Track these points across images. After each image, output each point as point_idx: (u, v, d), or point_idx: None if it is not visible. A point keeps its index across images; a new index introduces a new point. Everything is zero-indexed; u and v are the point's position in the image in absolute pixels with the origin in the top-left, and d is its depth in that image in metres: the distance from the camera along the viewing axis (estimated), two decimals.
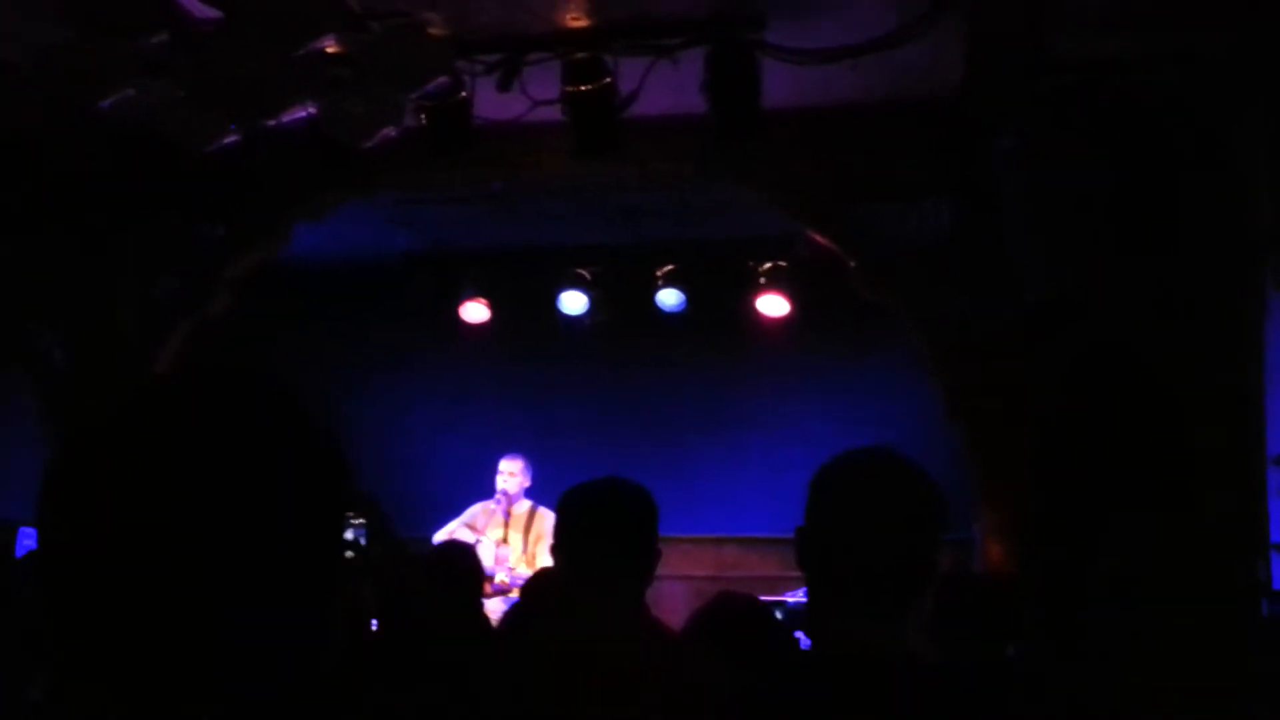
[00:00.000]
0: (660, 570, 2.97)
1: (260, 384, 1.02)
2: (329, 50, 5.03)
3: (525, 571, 7.74)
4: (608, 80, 5.62)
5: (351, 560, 5.96)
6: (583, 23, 5.59)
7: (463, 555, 4.73)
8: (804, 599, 2.27)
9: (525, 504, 8.12)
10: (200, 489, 0.95)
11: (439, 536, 8.01)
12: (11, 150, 6.60)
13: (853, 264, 6.74)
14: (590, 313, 9.09)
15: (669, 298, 8.99)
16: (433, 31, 5.12)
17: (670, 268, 8.96)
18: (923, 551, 2.11)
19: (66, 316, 7.22)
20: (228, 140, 5.36)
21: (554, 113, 5.70)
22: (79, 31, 4.70)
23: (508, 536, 7.99)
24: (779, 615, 3.87)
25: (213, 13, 4.75)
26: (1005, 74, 5.71)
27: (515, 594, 7.41)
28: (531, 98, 5.69)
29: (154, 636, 0.94)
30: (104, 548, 0.95)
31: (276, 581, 0.97)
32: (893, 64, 5.69)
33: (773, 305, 8.76)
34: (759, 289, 8.74)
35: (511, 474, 8.12)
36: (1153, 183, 5.72)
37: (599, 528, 2.88)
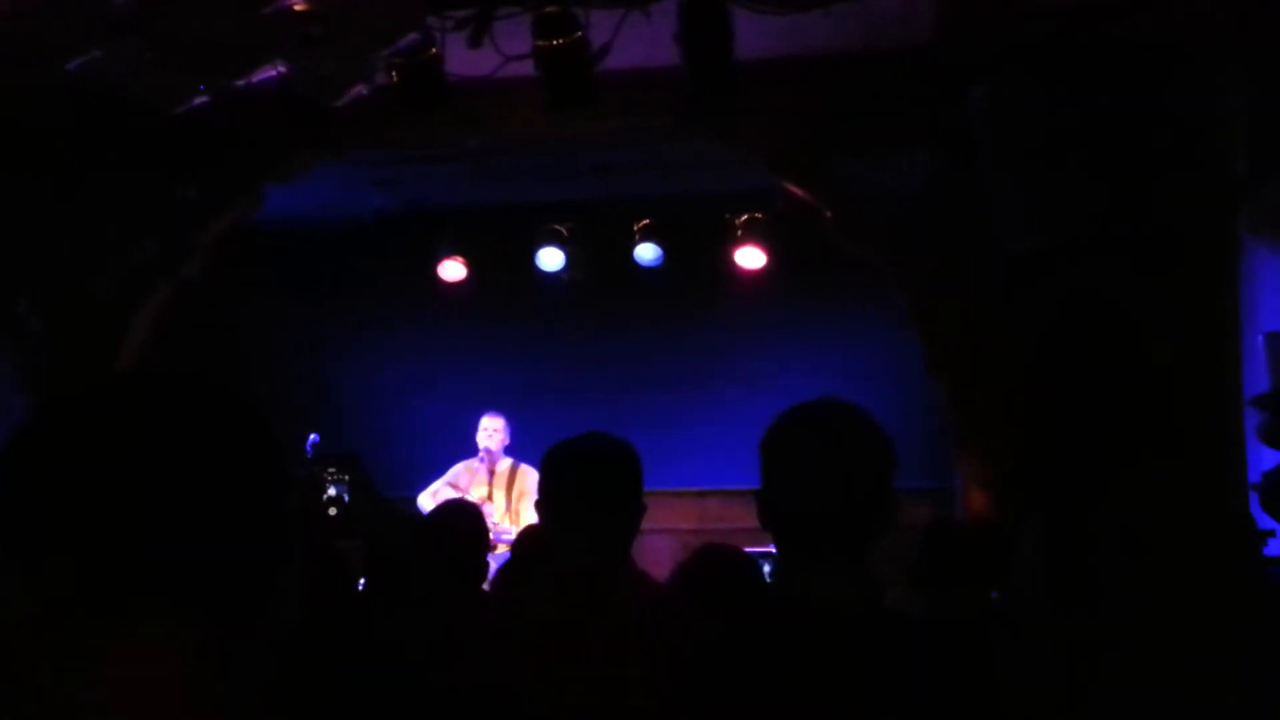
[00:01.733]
0: (644, 524, 2.97)
1: (195, 379, 1.13)
2: (298, 8, 4.96)
3: (508, 528, 7.76)
4: (579, 34, 5.57)
5: (334, 516, 5.97)
6: None
7: (470, 517, 4.67)
8: None
9: (507, 461, 8.13)
10: (142, 448, 1.06)
11: (423, 496, 8.02)
12: None
13: (829, 215, 6.73)
14: (568, 269, 9.07)
15: (646, 252, 8.98)
16: None
17: (647, 222, 8.94)
18: (874, 496, 2.12)
19: (41, 283, 7.16)
20: (197, 101, 5.30)
21: (527, 68, 5.65)
22: None
23: (492, 494, 8.01)
24: (767, 566, 3.89)
25: None
26: (979, 22, 5.68)
27: (500, 550, 7.44)
28: (503, 53, 5.63)
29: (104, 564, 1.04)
30: (56, 504, 1.04)
31: (216, 527, 1.07)
32: (867, 13, 5.65)
33: (750, 258, 8.75)
34: (736, 242, 8.74)
35: (495, 431, 8.13)
36: (1129, 131, 5.71)
37: (583, 483, 2.89)
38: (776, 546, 2.21)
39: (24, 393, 7.03)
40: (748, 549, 4.00)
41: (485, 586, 5.16)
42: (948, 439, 6.78)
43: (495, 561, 7.11)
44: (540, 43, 5.56)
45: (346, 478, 6.23)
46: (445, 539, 4.24)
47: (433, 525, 4.39)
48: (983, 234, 6.27)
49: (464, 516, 4.47)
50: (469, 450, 8.18)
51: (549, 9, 5.53)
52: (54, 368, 6.98)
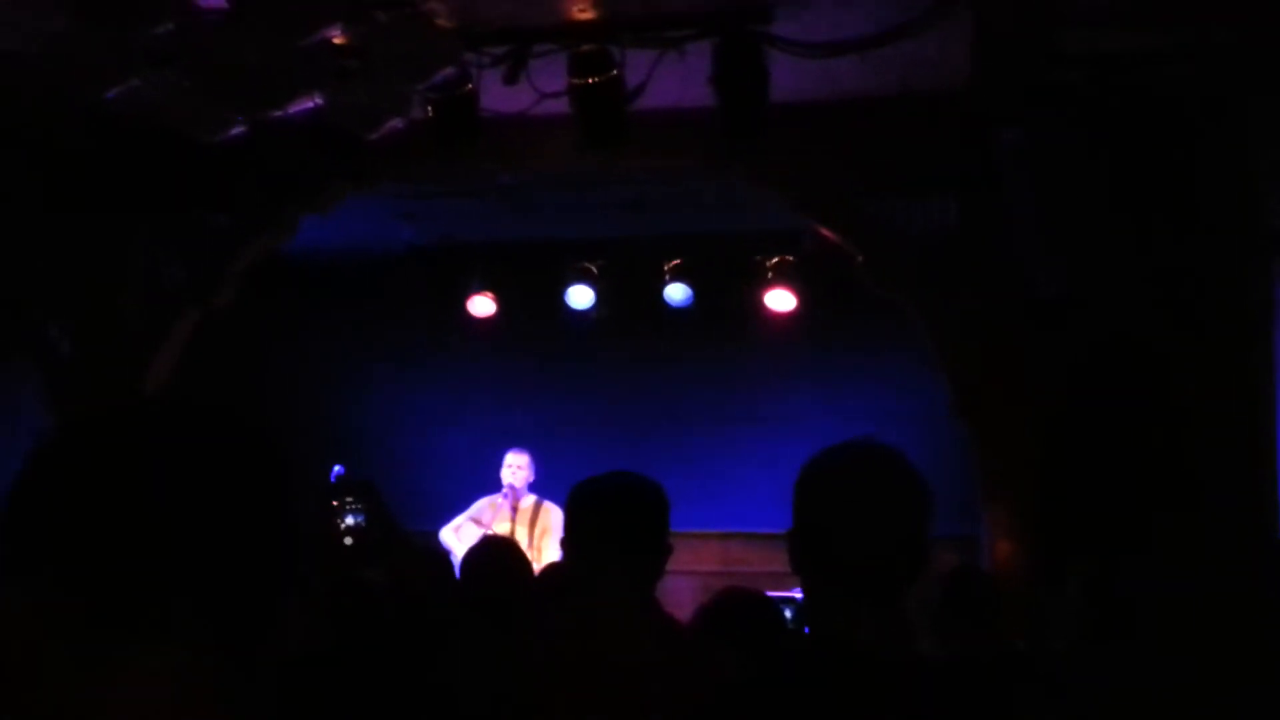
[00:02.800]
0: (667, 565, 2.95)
1: (209, 405, 1.15)
2: (336, 41, 5.01)
3: None
4: (614, 73, 5.59)
5: (352, 546, 5.94)
6: (590, 15, 5.56)
7: (509, 552, 4.60)
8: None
9: (530, 498, 8.11)
10: (154, 473, 1.07)
11: (446, 530, 8.01)
12: (20, 140, 6.59)
13: (860, 259, 6.72)
14: (597, 307, 9.07)
15: (676, 292, 8.97)
16: (440, 23, 5.10)
17: (677, 262, 8.94)
18: (911, 540, 2.09)
19: (73, 306, 7.22)
20: (234, 131, 5.34)
21: (561, 105, 5.68)
22: (84, 21, 4.68)
23: (514, 530, 7.98)
24: (788, 611, 3.85)
25: (219, 2, 4.74)
26: (1013, 68, 5.68)
27: None
28: (538, 90, 5.67)
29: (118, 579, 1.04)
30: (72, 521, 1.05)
31: (223, 551, 1.08)
32: (901, 57, 5.67)
33: (780, 300, 8.74)
34: (766, 284, 8.73)
35: (520, 467, 8.10)
36: (1161, 176, 5.69)
37: (610, 522, 2.86)
38: (805, 590, 2.18)
39: (52, 415, 7.07)
40: (770, 593, 3.96)
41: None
42: (973, 485, 6.73)
43: None
44: (575, 80, 5.59)
45: (363, 507, 6.22)
46: (482, 578, 4.20)
47: (471, 564, 4.34)
48: (1011, 278, 6.24)
49: (503, 554, 4.41)
50: (493, 485, 8.16)
51: (585, 47, 5.56)
52: (82, 391, 7.02)
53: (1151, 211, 5.69)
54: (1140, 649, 1.54)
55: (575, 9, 5.51)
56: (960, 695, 2.09)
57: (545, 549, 7.75)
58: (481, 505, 8.14)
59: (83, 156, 6.75)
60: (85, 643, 1.03)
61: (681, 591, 6.32)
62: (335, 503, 6.15)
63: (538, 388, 9.26)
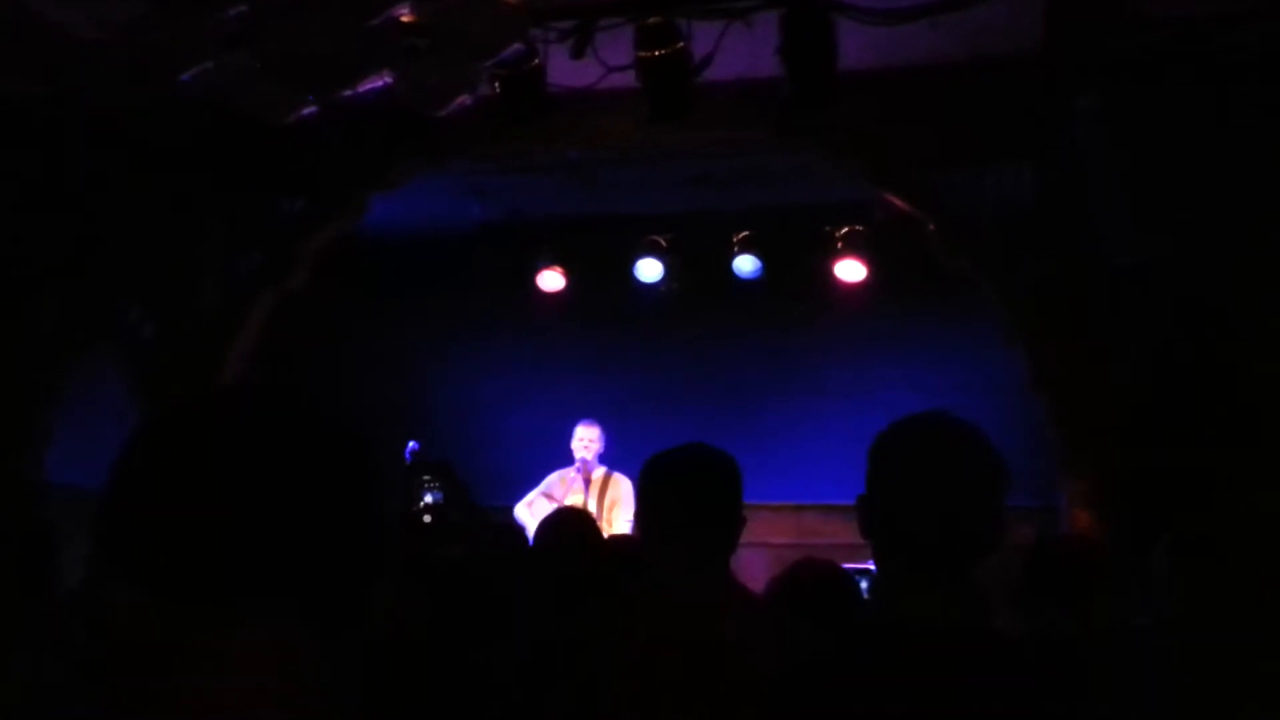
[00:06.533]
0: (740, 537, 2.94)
1: (296, 393, 1.18)
2: (404, 19, 5.03)
3: None
4: (681, 45, 5.56)
5: (429, 524, 5.99)
6: None
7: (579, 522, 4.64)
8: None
9: (601, 469, 8.14)
10: (244, 465, 1.10)
11: (519, 507, 8.05)
12: (99, 126, 6.69)
13: (931, 228, 6.65)
14: (666, 280, 9.06)
15: (745, 264, 8.94)
16: None
17: (746, 234, 8.90)
18: (983, 514, 2.08)
19: (154, 292, 7.34)
20: (305, 112, 5.39)
21: (628, 79, 5.66)
22: (158, 5, 4.74)
23: (586, 503, 8.01)
24: (864, 583, 3.84)
25: None
26: (1087, 32, 5.58)
27: None
28: (605, 64, 5.65)
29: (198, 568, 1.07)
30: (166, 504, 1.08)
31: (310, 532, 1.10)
32: (972, 23, 5.58)
33: (850, 271, 8.67)
34: (836, 254, 8.66)
35: (591, 440, 8.13)
36: (1241, 142, 5.56)
37: (684, 494, 2.86)
38: (877, 559, 2.17)
39: (135, 398, 7.20)
40: (845, 565, 3.94)
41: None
42: (1049, 456, 6.64)
43: None
44: (642, 53, 5.57)
45: (440, 484, 6.29)
46: (555, 553, 4.23)
47: (543, 539, 4.37)
48: (1088, 246, 6.14)
49: (574, 526, 4.43)
50: (565, 459, 8.20)
51: (651, 20, 5.54)
52: (163, 374, 7.14)
53: (1232, 175, 5.57)
54: (1230, 615, 1.52)
55: None
56: (1039, 670, 2.07)
57: (615, 520, 7.77)
58: (553, 480, 8.18)
59: (160, 142, 6.85)
60: (185, 632, 1.06)
61: (755, 564, 6.31)
62: (414, 481, 6.23)
63: (608, 362, 9.27)
